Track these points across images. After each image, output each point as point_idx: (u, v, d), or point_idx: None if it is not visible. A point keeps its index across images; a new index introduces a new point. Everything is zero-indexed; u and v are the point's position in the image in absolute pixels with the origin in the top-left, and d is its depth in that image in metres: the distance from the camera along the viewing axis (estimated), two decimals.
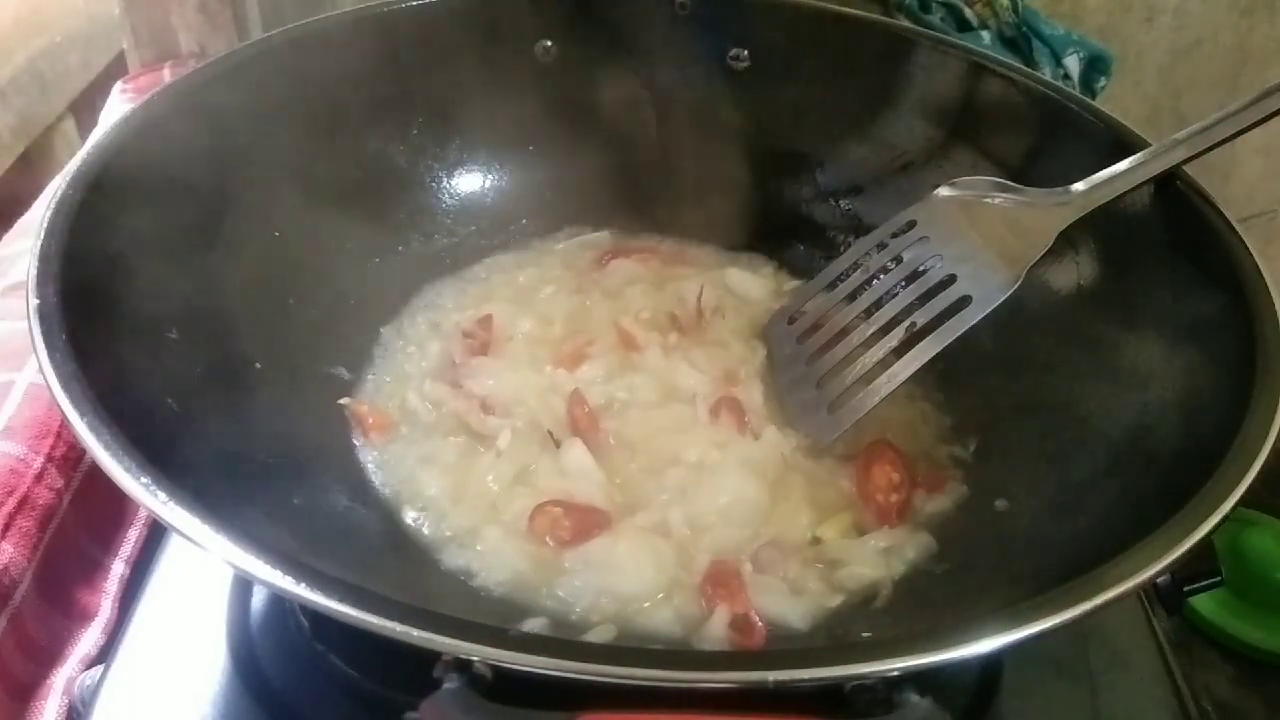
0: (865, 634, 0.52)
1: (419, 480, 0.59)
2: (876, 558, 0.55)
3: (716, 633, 0.51)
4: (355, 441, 0.61)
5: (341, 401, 0.62)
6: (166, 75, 0.86)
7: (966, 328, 0.58)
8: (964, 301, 0.59)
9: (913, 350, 0.60)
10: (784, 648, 0.51)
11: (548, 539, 0.55)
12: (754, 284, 0.73)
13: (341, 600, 0.35)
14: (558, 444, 0.60)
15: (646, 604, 0.53)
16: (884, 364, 0.61)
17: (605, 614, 0.52)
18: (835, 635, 0.52)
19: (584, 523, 0.55)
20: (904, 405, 0.64)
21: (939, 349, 0.59)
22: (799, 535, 0.56)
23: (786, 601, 0.53)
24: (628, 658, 0.35)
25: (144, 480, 0.39)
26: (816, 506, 0.58)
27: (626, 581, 0.53)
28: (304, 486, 0.55)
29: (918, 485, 0.60)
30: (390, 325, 0.69)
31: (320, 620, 0.35)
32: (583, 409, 0.62)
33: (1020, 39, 1.10)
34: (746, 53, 0.76)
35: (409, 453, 0.60)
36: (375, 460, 0.60)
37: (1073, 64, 1.12)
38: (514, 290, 0.72)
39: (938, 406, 0.65)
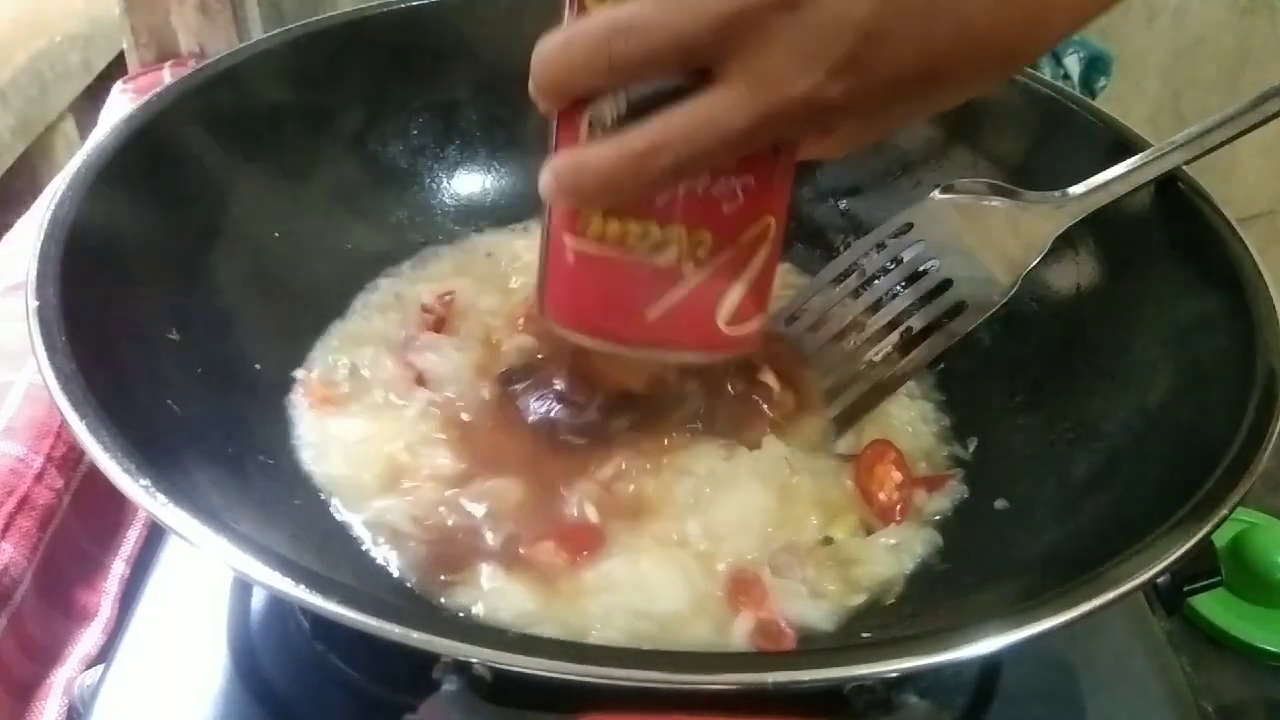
0: (870, 633, 0.52)
1: None
2: (887, 555, 0.55)
3: (740, 641, 0.50)
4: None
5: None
6: (166, 75, 0.86)
7: (963, 334, 0.59)
8: (960, 307, 0.59)
9: (908, 356, 0.60)
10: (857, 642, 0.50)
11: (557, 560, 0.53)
12: None
13: (340, 602, 0.35)
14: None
15: (682, 620, 0.51)
16: (883, 365, 0.61)
17: (643, 636, 0.50)
18: (862, 634, 0.52)
19: (579, 543, 0.54)
20: (904, 404, 0.64)
21: (935, 354, 0.59)
22: (810, 537, 0.56)
23: (809, 604, 0.53)
24: (627, 660, 0.35)
25: (144, 482, 0.39)
26: (823, 508, 0.58)
27: (661, 600, 0.51)
28: (304, 488, 0.55)
29: (918, 484, 0.60)
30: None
31: (320, 621, 0.35)
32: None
33: None
34: None
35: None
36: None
37: (1073, 64, 1.12)
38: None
39: (938, 406, 0.65)
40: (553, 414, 0.58)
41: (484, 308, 0.68)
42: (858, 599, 0.53)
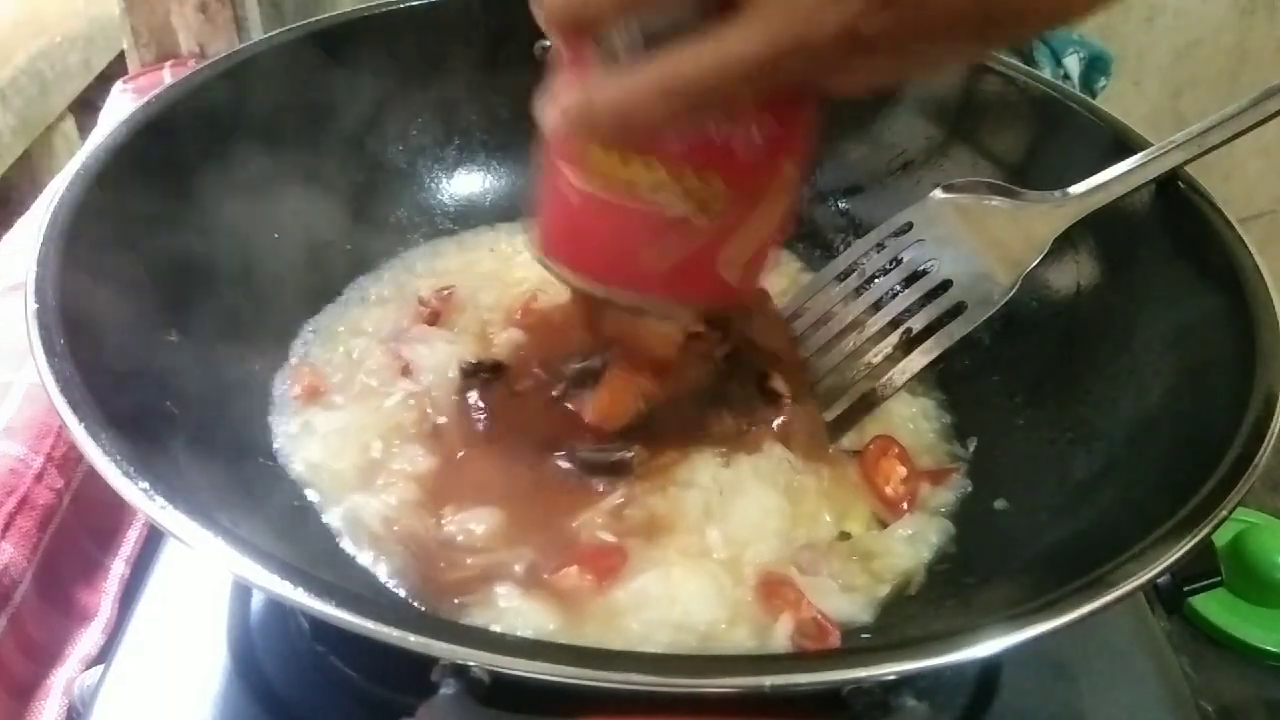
0: (904, 622, 0.52)
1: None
2: (905, 546, 0.55)
3: (781, 644, 0.50)
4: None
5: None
6: (166, 75, 0.86)
7: (962, 335, 0.59)
8: (960, 308, 0.59)
9: (908, 357, 0.60)
10: (855, 645, 0.50)
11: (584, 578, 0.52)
12: None
13: (338, 605, 0.35)
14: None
15: (721, 629, 0.50)
16: (883, 366, 0.61)
17: (686, 649, 0.49)
18: (898, 623, 0.52)
19: (605, 563, 0.53)
20: (905, 401, 0.64)
21: (935, 355, 0.59)
22: (827, 534, 0.56)
23: (844, 598, 0.52)
24: (624, 663, 0.35)
25: (142, 485, 0.39)
26: (833, 504, 0.58)
27: (698, 611, 0.50)
28: (304, 490, 0.55)
29: (923, 478, 0.60)
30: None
31: (320, 622, 0.35)
32: None
33: None
34: None
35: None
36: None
37: (1073, 64, 1.12)
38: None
39: (939, 404, 0.65)
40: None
41: (483, 303, 0.68)
42: (883, 590, 0.53)
